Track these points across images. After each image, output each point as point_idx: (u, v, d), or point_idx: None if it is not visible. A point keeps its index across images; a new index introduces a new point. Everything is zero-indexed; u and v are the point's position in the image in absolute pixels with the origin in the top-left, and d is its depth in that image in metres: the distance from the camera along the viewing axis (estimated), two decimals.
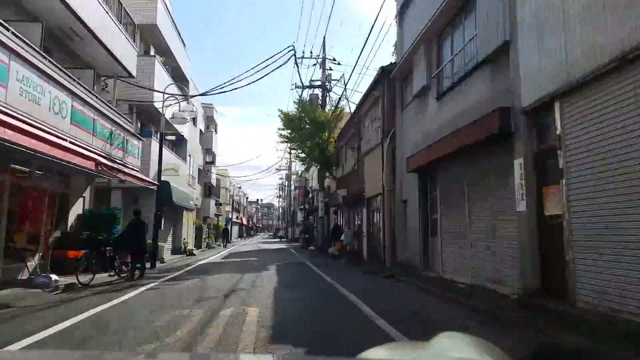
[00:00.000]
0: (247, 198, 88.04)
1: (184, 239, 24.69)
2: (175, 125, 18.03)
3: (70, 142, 9.90)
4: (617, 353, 1.30)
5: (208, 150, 37.63)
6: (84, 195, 13.81)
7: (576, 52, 5.96)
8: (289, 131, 26.14)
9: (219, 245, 39.57)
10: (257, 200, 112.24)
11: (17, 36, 8.23)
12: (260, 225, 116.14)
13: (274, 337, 5.00)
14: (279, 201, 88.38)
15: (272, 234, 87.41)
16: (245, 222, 76.66)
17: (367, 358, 1.04)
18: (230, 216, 50.94)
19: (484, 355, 0.95)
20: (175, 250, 24.05)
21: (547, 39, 6.64)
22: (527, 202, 7.08)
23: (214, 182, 39.09)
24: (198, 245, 30.84)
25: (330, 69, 27.43)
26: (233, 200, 51.46)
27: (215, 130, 43.09)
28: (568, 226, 6.13)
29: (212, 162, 41.65)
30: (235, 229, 66.16)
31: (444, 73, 11.25)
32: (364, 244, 18.47)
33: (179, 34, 23.55)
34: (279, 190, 79.59)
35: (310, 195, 36.27)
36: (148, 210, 17.19)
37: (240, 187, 66.49)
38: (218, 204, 44.74)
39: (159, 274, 13.37)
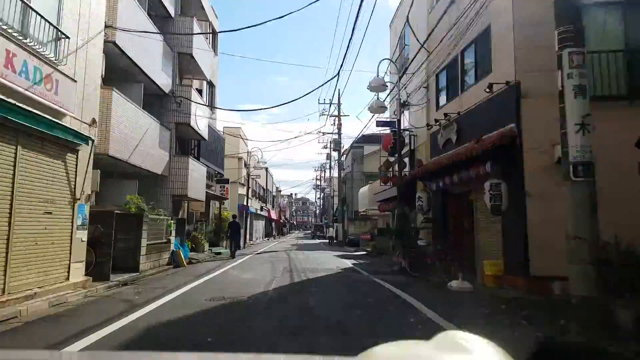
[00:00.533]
0: (278, 189, 68.58)
1: None
2: None
3: None
4: (618, 352, 1.31)
5: (185, 57, 17.96)
6: None
7: None
8: None
9: (219, 253, 19.87)
10: (291, 194, 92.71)
11: None
12: (295, 222, 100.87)
13: None
14: (317, 191, 68.14)
15: (310, 232, 66.72)
16: (274, 217, 56.85)
17: (367, 358, 0.98)
18: (246, 202, 31.12)
19: (485, 354, 0.93)
20: None
21: None
22: None
23: (200, 129, 19.22)
24: (153, 261, 11.20)
25: None
26: (249, 177, 31.61)
27: (214, 35, 23.36)
28: None
29: (208, 96, 22.01)
30: (260, 224, 46.52)
31: None
32: None
33: None
34: (319, 174, 59.67)
35: (407, 148, 15.82)
36: None
37: (266, 167, 46.64)
38: (221, 181, 25.07)
39: None
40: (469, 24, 10.82)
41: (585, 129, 5.49)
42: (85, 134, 8.74)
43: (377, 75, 13.92)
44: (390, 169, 16.90)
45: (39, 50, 7.41)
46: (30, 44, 7.19)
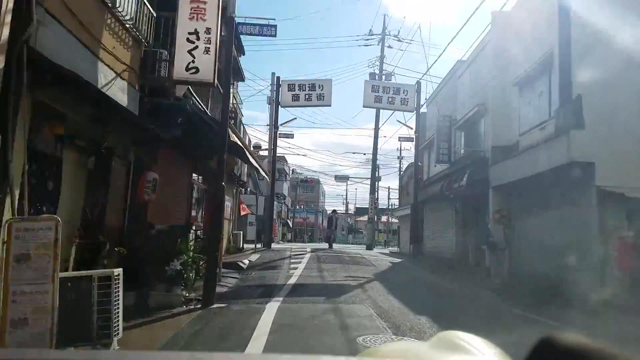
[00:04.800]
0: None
1: None
2: None
3: None
4: (619, 352, 0.66)
5: None
6: None
7: None
8: None
9: None
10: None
11: None
12: (290, 223, 58.97)
13: None
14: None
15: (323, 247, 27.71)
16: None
17: (367, 357, 1.08)
18: None
19: (484, 354, 0.99)
20: None
21: None
22: None
23: None
24: None
25: None
26: None
27: None
28: None
29: None
30: None
31: None
32: None
33: None
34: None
35: None
36: None
37: None
38: None
39: None
40: None
41: None
42: None
43: None
44: None
45: None
46: None
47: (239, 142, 10.12)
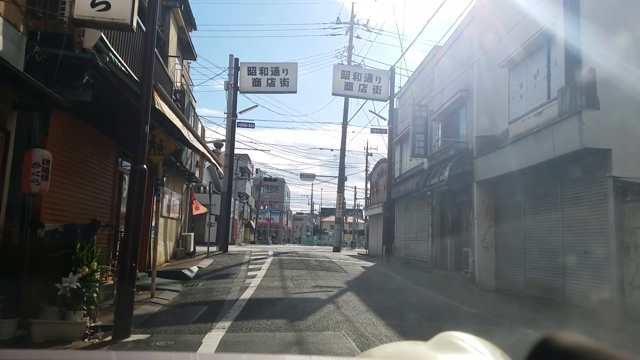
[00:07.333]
0: None
1: None
2: None
3: None
4: (619, 352, 0.62)
5: None
6: None
7: None
8: None
9: None
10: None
11: None
12: (253, 224, 58.16)
13: None
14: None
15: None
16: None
17: (367, 357, 1.09)
18: None
19: (483, 354, 0.97)
20: None
21: None
22: None
23: None
24: None
25: None
26: None
27: None
28: None
29: None
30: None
31: None
32: None
33: None
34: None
35: None
36: None
37: None
38: None
39: None
40: None
41: None
42: None
43: None
44: None
45: None
46: None
47: (178, 120, 7.80)
